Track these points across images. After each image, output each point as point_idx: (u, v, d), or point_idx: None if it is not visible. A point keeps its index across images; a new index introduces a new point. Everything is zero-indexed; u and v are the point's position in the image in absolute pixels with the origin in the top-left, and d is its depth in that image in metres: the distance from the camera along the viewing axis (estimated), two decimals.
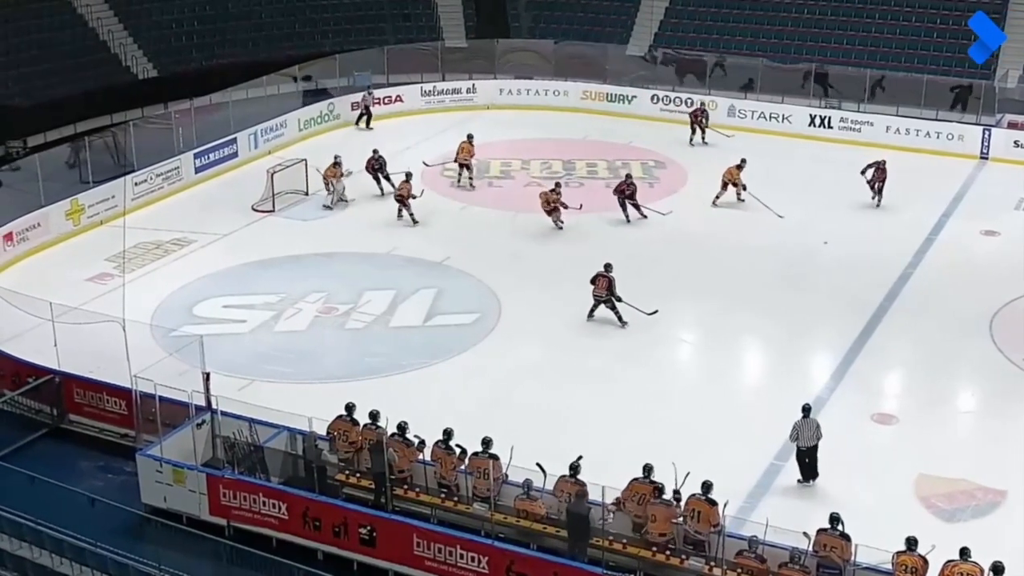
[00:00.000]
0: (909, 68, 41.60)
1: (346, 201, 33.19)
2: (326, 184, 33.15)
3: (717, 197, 32.80)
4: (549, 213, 31.02)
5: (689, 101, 40.71)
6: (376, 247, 30.06)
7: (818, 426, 19.99)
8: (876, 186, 32.78)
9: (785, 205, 32.70)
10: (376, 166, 33.77)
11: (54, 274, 28.52)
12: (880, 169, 32.79)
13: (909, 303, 27.29)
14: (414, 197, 31.71)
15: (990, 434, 22.29)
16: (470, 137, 34.97)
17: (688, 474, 17.80)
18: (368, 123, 40.32)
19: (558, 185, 31.90)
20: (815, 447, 19.96)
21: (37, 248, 30.08)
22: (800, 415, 20.05)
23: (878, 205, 32.79)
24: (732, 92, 41.10)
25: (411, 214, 31.58)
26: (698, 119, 38.78)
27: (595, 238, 30.77)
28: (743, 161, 33.06)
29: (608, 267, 26.12)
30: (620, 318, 25.84)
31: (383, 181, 33.61)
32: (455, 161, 34.76)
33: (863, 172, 32.79)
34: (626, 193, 31.95)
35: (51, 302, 22.65)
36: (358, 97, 40.72)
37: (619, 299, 25.79)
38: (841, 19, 45.12)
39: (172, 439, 19.72)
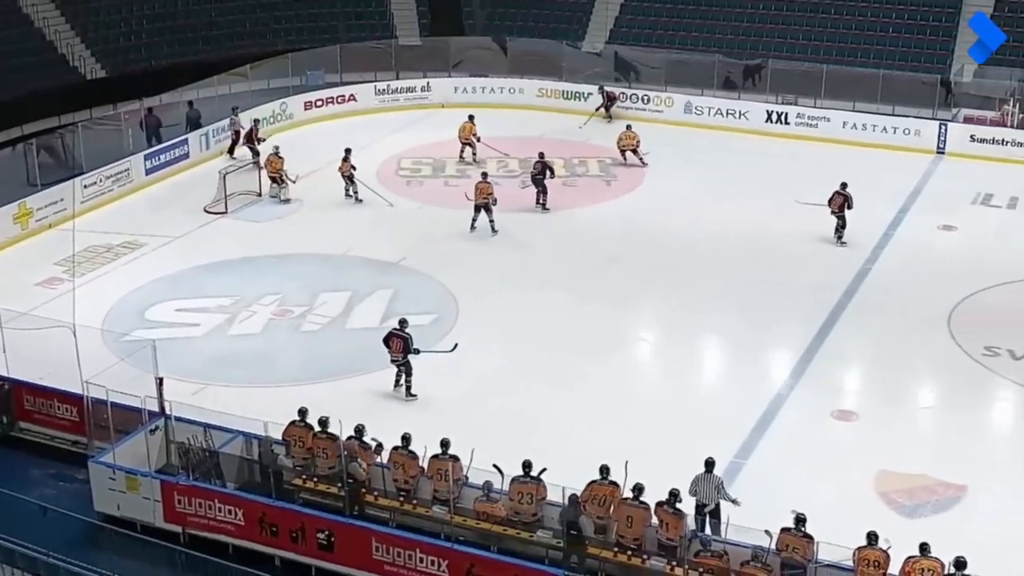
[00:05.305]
0: (865, 63, 41.65)
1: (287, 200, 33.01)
2: (278, 178, 32.95)
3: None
4: (483, 207, 30.50)
5: (646, 98, 40.78)
6: (331, 248, 29.76)
7: (720, 486, 18.11)
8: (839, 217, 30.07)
9: (741, 202, 32.82)
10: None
11: (2, 279, 28.03)
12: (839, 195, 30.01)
13: (868, 299, 27.30)
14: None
15: (950, 429, 22.33)
16: (471, 117, 36.74)
17: (627, 462, 17.54)
18: (232, 151, 36.67)
19: (484, 175, 31.59)
20: (717, 507, 18.01)
21: None
22: (703, 469, 18.22)
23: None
24: (689, 89, 40.97)
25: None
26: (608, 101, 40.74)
27: (549, 236, 30.71)
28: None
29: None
30: None
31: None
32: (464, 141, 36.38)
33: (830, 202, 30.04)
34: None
35: None
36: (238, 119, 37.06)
37: None
38: (796, 15, 45.12)
39: (125, 446, 19.48)
